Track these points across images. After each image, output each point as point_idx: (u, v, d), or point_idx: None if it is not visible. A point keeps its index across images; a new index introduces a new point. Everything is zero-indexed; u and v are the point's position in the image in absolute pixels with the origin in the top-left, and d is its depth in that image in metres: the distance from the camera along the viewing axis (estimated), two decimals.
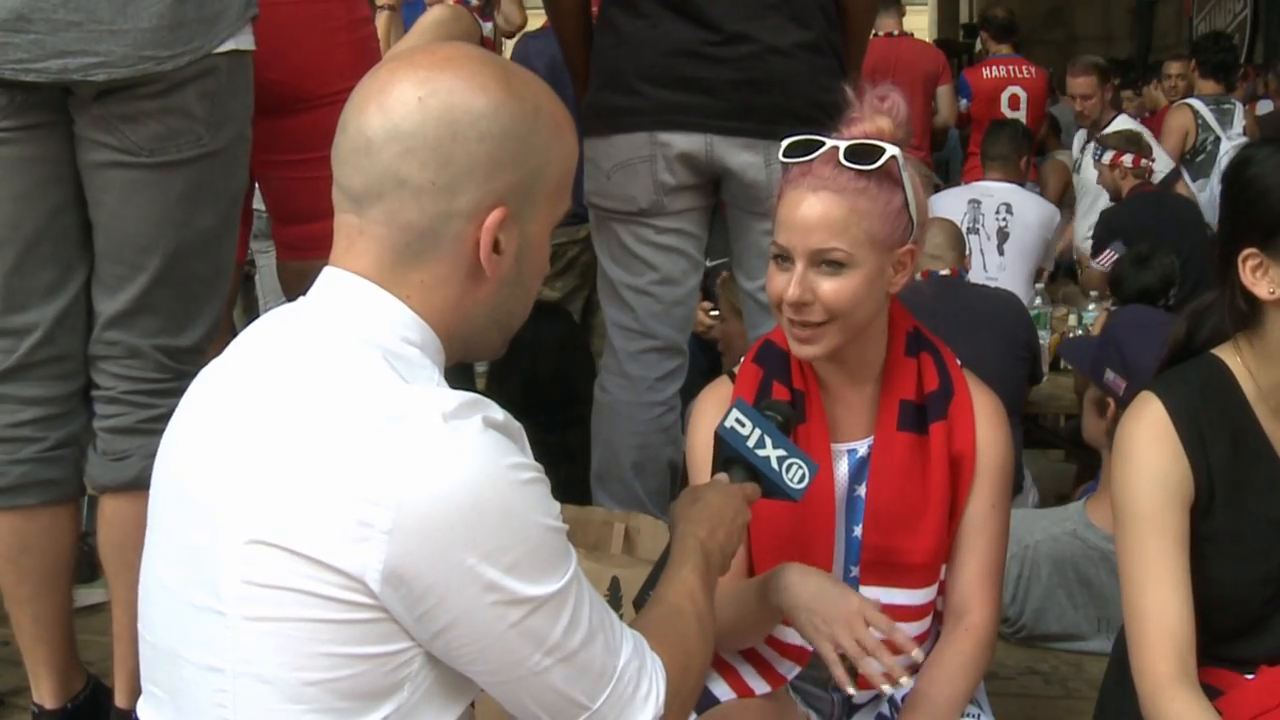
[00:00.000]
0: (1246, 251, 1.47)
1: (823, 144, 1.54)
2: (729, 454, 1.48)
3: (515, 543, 1.04)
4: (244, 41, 1.89)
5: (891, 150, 1.52)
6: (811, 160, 1.53)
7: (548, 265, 1.22)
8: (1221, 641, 1.55)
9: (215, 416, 1.13)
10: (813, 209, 1.52)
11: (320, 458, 1.03)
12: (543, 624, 1.06)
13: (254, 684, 1.05)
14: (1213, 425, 1.54)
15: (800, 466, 1.46)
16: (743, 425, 1.47)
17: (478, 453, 1.03)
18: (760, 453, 1.46)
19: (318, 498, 1.02)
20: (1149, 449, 1.53)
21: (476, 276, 1.14)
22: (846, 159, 1.52)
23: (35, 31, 1.71)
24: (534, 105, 1.13)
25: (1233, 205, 1.52)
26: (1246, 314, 1.51)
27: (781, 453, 1.47)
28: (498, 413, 1.07)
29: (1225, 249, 1.51)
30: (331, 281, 1.14)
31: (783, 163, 1.57)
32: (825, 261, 1.53)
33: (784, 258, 1.56)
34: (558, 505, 1.10)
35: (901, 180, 1.55)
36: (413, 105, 1.09)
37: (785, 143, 1.57)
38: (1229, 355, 1.57)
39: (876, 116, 1.55)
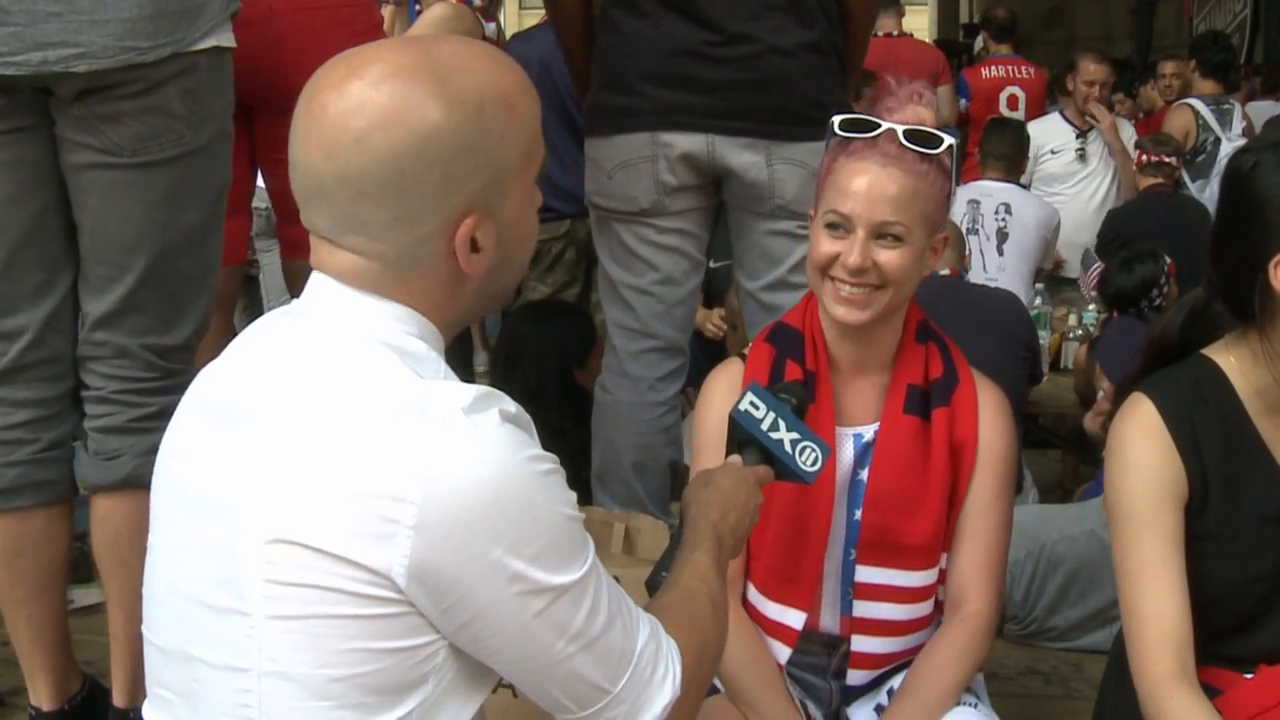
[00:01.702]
0: None
1: (879, 125, 1.58)
2: (743, 437, 1.48)
3: (538, 533, 1.05)
4: (224, 38, 1.88)
5: (950, 140, 1.57)
6: (876, 137, 1.57)
7: (536, 229, 1.20)
8: (1219, 640, 1.54)
9: (222, 418, 1.13)
10: (880, 182, 1.56)
11: (341, 454, 1.03)
12: (566, 612, 1.07)
13: (279, 682, 1.05)
14: (1206, 424, 1.54)
15: (814, 450, 1.47)
16: (757, 408, 1.47)
17: (498, 446, 1.03)
18: (774, 435, 1.47)
19: (340, 494, 1.02)
20: (1142, 448, 1.53)
21: (461, 276, 1.13)
22: (909, 141, 1.56)
23: (15, 23, 1.70)
24: (477, 104, 1.08)
25: (1260, 211, 1.46)
26: (1272, 315, 1.49)
27: (795, 436, 1.47)
28: (510, 405, 1.08)
29: (1252, 254, 1.47)
30: (324, 286, 1.13)
31: (842, 136, 1.60)
32: (885, 235, 1.57)
33: (840, 226, 1.59)
34: (574, 495, 1.11)
35: (950, 171, 1.60)
36: (352, 148, 1.05)
37: (840, 118, 1.61)
38: (1220, 355, 1.57)
39: (918, 108, 1.60)
